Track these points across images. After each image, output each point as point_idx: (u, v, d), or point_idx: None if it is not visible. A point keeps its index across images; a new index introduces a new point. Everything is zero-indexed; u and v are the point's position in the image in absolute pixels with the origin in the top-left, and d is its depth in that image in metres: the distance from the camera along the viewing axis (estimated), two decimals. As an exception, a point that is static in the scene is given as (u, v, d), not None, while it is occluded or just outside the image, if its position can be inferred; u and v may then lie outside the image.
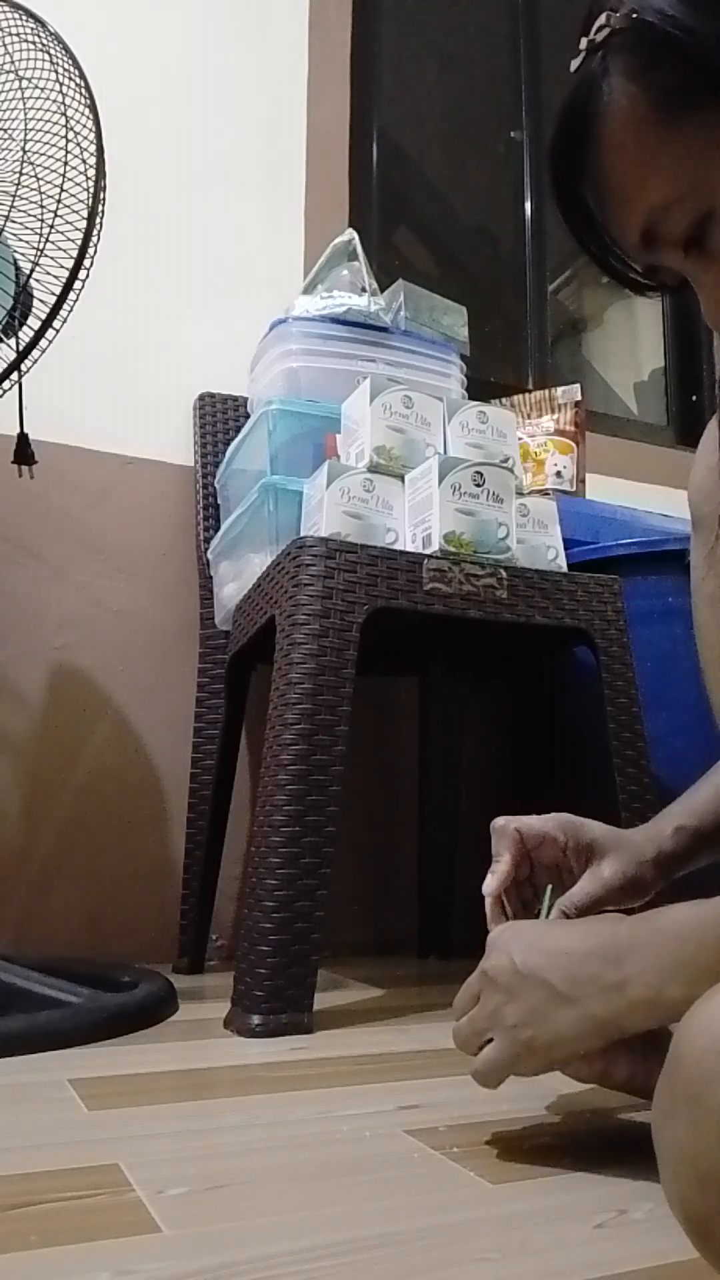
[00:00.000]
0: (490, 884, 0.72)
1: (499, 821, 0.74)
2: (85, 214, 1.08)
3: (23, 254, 1.10)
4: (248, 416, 1.50)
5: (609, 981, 0.54)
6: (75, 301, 1.10)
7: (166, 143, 1.72)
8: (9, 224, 1.08)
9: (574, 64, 0.55)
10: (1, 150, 1.11)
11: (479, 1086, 0.62)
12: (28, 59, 1.12)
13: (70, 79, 1.10)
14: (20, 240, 1.09)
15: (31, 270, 1.09)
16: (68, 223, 1.08)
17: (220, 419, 1.63)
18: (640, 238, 0.56)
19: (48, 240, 1.07)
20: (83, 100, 1.10)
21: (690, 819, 0.73)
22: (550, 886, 0.72)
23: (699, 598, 0.66)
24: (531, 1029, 0.58)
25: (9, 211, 1.08)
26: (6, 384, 1.13)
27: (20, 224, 1.09)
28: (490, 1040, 0.61)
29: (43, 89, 1.10)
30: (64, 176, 1.08)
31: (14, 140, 1.10)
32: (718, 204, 0.53)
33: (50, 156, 1.09)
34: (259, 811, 1.08)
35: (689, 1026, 0.41)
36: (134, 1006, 1.03)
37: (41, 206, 1.08)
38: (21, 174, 1.08)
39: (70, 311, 1.11)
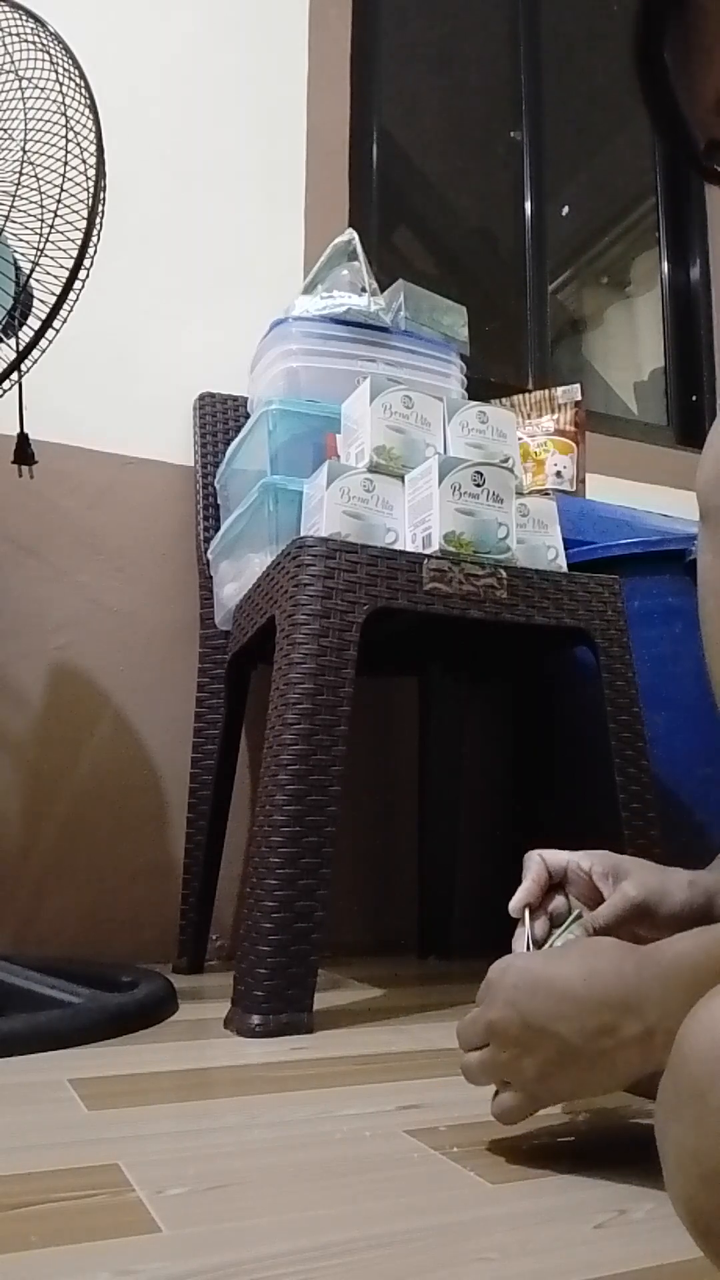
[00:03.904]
0: (513, 901, 0.72)
1: (528, 854, 0.74)
2: (85, 214, 1.08)
3: (23, 254, 1.10)
4: (248, 416, 1.50)
5: (632, 1034, 0.53)
6: (75, 301, 1.10)
7: (167, 142, 1.72)
8: (9, 224, 1.08)
9: None
10: (1, 150, 1.11)
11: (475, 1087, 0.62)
12: (28, 59, 1.12)
13: (70, 79, 1.10)
14: (20, 240, 1.09)
15: (31, 270, 1.09)
16: (68, 223, 1.08)
17: (220, 419, 1.63)
18: (718, 95, 0.54)
19: (48, 240, 1.07)
20: (83, 100, 1.10)
21: None
22: (578, 910, 0.71)
23: (706, 590, 0.65)
24: (552, 1081, 0.57)
25: (9, 211, 1.08)
26: (6, 384, 1.12)
27: (20, 224, 1.09)
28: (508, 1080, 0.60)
29: (43, 89, 1.10)
30: (64, 176, 1.08)
31: (14, 140, 1.10)
32: None
33: (50, 156, 1.09)
34: (259, 811, 1.08)
35: (692, 1025, 0.40)
36: (134, 1006, 1.03)
37: (41, 206, 1.08)
38: (21, 174, 1.08)
39: (70, 311, 1.11)
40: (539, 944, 0.71)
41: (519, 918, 0.72)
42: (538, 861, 0.73)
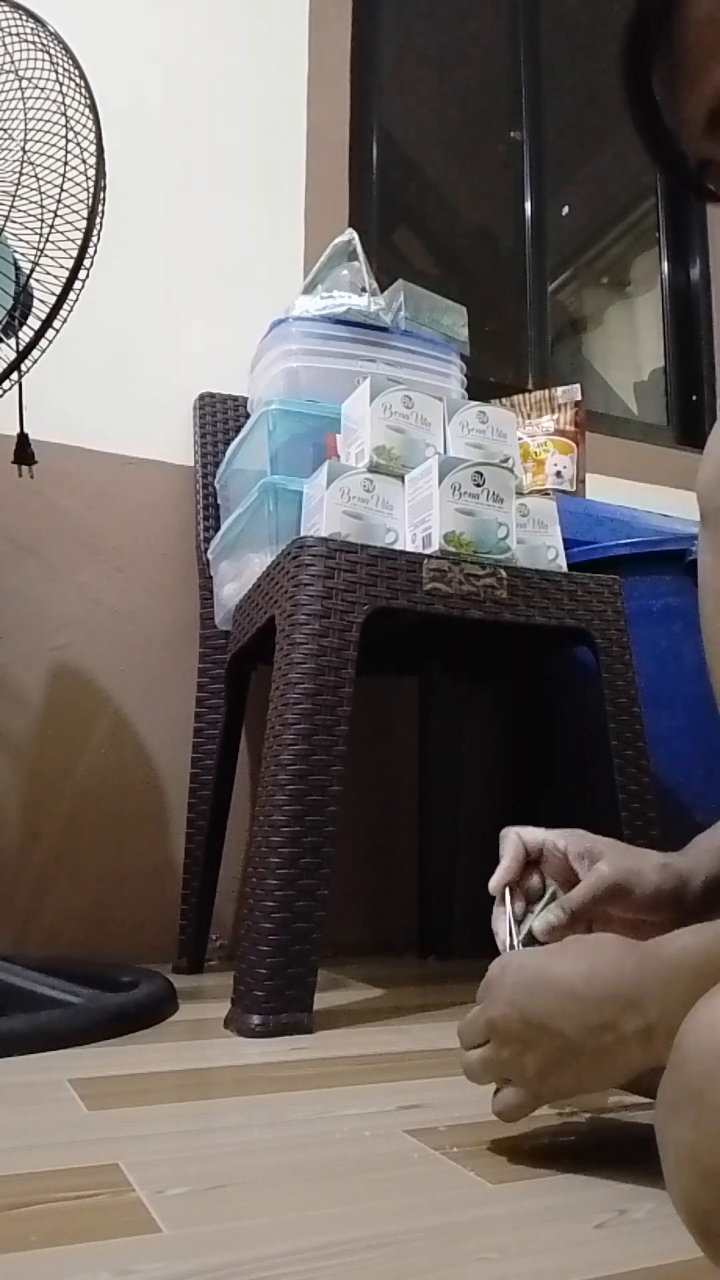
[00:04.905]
0: (493, 880, 0.72)
1: (504, 831, 0.74)
2: (85, 214, 1.08)
3: (23, 254, 1.10)
4: (248, 416, 1.50)
5: (633, 1030, 0.53)
6: (75, 301, 1.10)
7: (167, 142, 1.72)
8: (9, 224, 1.08)
9: None
10: (1, 150, 1.11)
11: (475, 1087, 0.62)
12: (28, 59, 1.12)
13: (70, 79, 1.10)
14: (20, 240, 1.09)
15: (31, 270, 1.09)
16: (68, 223, 1.08)
17: (220, 419, 1.63)
18: (706, 118, 0.55)
19: (48, 240, 1.07)
20: (83, 100, 1.10)
21: (713, 840, 0.71)
22: (552, 889, 0.72)
23: (706, 591, 0.65)
24: (553, 1078, 0.57)
25: (9, 211, 1.08)
26: (6, 384, 1.12)
27: (20, 224, 1.09)
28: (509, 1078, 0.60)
29: (43, 89, 1.10)
30: (64, 176, 1.08)
31: (14, 140, 1.10)
32: None
33: (50, 156, 1.09)
34: (259, 811, 1.08)
35: (693, 1023, 0.40)
36: (134, 1006, 1.03)
37: (41, 206, 1.08)
38: (21, 174, 1.08)
39: (70, 311, 1.11)
40: (517, 922, 0.71)
41: (497, 897, 0.72)
42: (515, 840, 0.73)
